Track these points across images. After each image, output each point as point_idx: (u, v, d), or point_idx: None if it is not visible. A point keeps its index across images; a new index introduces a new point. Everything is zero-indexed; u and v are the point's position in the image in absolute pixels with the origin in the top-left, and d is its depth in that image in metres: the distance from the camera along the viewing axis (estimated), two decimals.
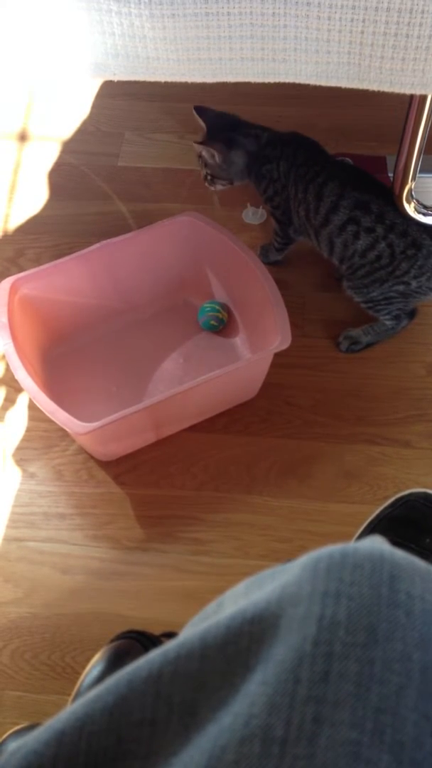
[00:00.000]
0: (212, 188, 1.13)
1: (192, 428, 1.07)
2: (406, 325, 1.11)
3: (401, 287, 1.04)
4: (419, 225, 1.03)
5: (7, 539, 1.00)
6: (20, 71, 0.81)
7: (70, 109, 1.42)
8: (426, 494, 0.95)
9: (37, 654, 0.93)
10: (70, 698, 0.85)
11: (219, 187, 1.12)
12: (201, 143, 1.07)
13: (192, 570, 0.97)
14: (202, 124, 1.08)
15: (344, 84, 0.75)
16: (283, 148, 1.07)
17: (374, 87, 0.74)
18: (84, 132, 1.39)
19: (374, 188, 1.03)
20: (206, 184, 1.13)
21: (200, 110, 1.09)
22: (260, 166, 1.08)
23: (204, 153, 1.08)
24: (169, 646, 0.39)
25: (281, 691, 0.35)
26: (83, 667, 0.85)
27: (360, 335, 1.12)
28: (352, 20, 0.68)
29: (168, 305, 1.17)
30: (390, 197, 1.03)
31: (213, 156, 1.07)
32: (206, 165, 1.10)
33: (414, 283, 1.03)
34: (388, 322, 1.10)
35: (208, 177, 1.11)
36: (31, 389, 0.93)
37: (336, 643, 0.36)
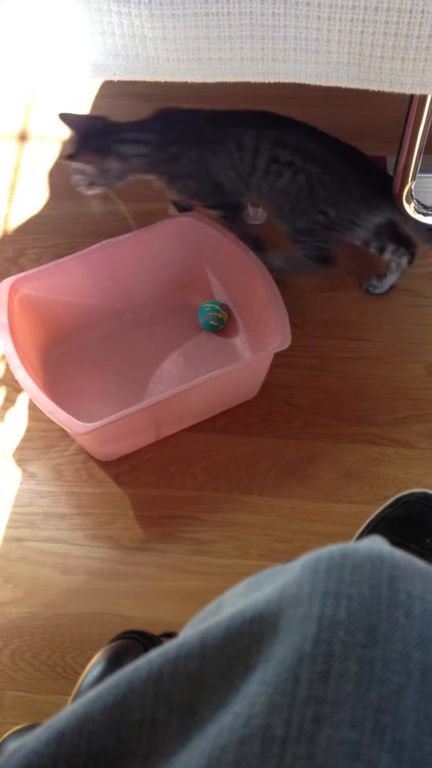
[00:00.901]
0: (87, 193, 1.08)
1: (192, 428, 1.07)
2: (317, 270, 1.14)
3: (321, 217, 1.06)
4: (331, 151, 1.05)
5: (7, 539, 1.00)
6: (21, 71, 0.81)
7: (70, 109, 1.41)
8: (426, 494, 0.95)
9: (37, 654, 0.93)
10: (70, 698, 0.85)
11: (95, 191, 1.08)
12: (72, 158, 1.02)
13: (192, 570, 0.97)
14: (71, 132, 1.04)
15: (344, 84, 0.75)
16: (189, 137, 1.05)
17: (374, 87, 0.74)
18: None
19: (287, 123, 1.05)
20: (79, 189, 1.07)
21: (66, 117, 1.04)
22: (170, 167, 1.06)
23: (77, 165, 1.04)
24: (169, 646, 0.39)
25: (281, 690, 0.35)
26: (83, 667, 0.85)
27: (274, 260, 1.13)
28: (352, 20, 0.68)
29: (168, 305, 1.17)
30: (304, 128, 1.05)
31: (87, 167, 1.03)
32: (82, 173, 1.05)
33: (332, 212, 1.05)
34: (306, 259, 1.13)
35: (83, 183, 1.06)
36: (31, 389, 0.93)
37: (336, 643, 0.36)
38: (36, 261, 1.24)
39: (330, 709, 0.34)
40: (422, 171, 1.10)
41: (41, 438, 1.08)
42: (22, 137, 1.39)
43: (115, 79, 0.79)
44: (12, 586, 0.97)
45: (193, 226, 1.10)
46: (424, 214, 1.17)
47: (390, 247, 1.12)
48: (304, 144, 1.03)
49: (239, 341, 1.13)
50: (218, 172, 1.07)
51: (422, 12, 0.66)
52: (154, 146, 1.05)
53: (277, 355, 0.99)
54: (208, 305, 1.14)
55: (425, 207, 1.17)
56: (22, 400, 1.11)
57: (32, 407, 1.10)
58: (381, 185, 1.06)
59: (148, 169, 1.07)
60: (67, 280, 1.08)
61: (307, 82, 0.76)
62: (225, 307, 1.14)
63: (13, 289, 1.03)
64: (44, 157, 1.36)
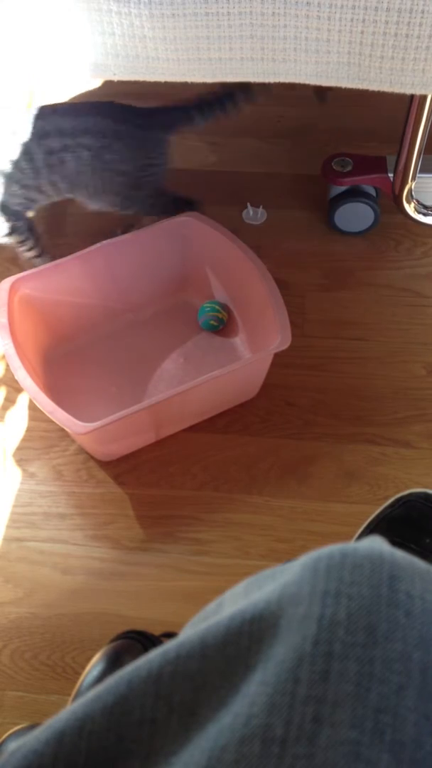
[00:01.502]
0: None
1: (192, 428, 1.07)
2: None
3: (122, 178, 1.06)
4: (93, 116, 1.04)
5: (7, 539, 1.00)
6: (21, 71, 0.81)
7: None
8: (426, 494, 0.95)
9: (37, 654, 0.93)
10: (70, 698, 0.85)
11: None
12: None
13: (192, 570, 0.97)
14: None
15: (344, 84, 0.75)
16: None
17: (374, 87, 0.75)
18: None
19: (40, 112, 1.03)
20: None
21: None
22: None
23: None
24: (169, 646, 0.39)
25: (281, 690, 0.35)
26: (83, 667, 0.85)
27: None
28: (352, 20, 0.68)
29: (168, 305, 1.17)
30: (57, 109, 1.03)
31: None
32: None
33: (129, 168, 1.05)
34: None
35: None
36: (31, 389, 0.93)
37: (336, 642, 0.36)
38: None
39: (330, 709, 0.34)
40: (422, 171, 1.10)
41: (41, 438, 1.08)
42: None
43: (115, 79, 0.79)
44: (12, 586, 0.97)
45: (193, 226, 1.11)
46: (424, 214, 1.17)
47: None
48: (64, 124, 1.02)
49: (239, 341, 1.13)
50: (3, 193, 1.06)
51: (422, 12, 0.66)
52: None
53: (277, 355, 0.99)
54: (208, 305, 1.14)
55: (425, 207, 1.17)
56: (22, 400, 1.11)
57: (32, 407, 1.10)
58: (150, 122, 1.07)
59: None
60: (67, 280, 1.08)
61: (307, 82, 0.76)
62: (225, 307, 1.14)
63: (13, 289, 1.03)
64: None
